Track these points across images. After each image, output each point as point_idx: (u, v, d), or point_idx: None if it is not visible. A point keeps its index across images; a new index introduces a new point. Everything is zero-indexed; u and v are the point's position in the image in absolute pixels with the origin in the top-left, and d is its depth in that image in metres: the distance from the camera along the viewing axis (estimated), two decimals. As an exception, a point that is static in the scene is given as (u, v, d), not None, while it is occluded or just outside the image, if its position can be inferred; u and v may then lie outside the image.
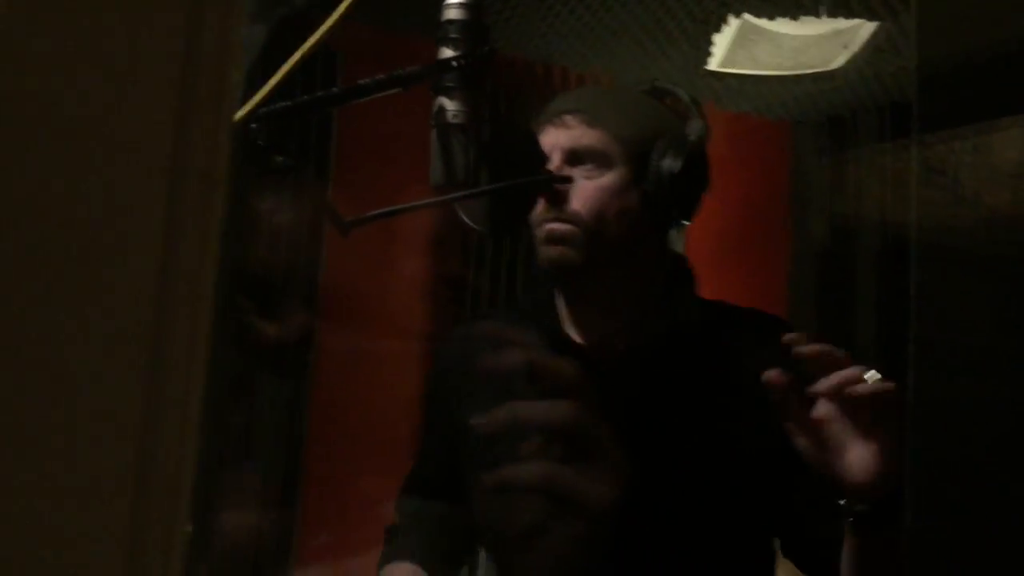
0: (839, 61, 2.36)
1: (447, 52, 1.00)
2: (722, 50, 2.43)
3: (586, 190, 1.14)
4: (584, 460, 0.80)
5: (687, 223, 1.23)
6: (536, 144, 1.08)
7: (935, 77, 2.41)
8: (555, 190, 1.14)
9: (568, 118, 1.17)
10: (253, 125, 0.88)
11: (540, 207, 1.16)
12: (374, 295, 2.03)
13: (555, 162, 1.15)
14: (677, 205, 1.17)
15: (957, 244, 2.68)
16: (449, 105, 0.99)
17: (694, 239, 2.64)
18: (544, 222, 1.15)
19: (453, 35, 1.00)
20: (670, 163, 1.13)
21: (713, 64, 2.48)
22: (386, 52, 2.01)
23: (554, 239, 1.14)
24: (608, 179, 1.15)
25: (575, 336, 1.20)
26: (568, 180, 1.12)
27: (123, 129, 0.30)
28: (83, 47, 0.30)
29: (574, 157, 1.15)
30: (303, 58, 0.94)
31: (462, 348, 1.31)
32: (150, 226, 0.28)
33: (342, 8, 0.98)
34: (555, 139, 1.17)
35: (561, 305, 1.22)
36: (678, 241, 2.61)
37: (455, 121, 0.99)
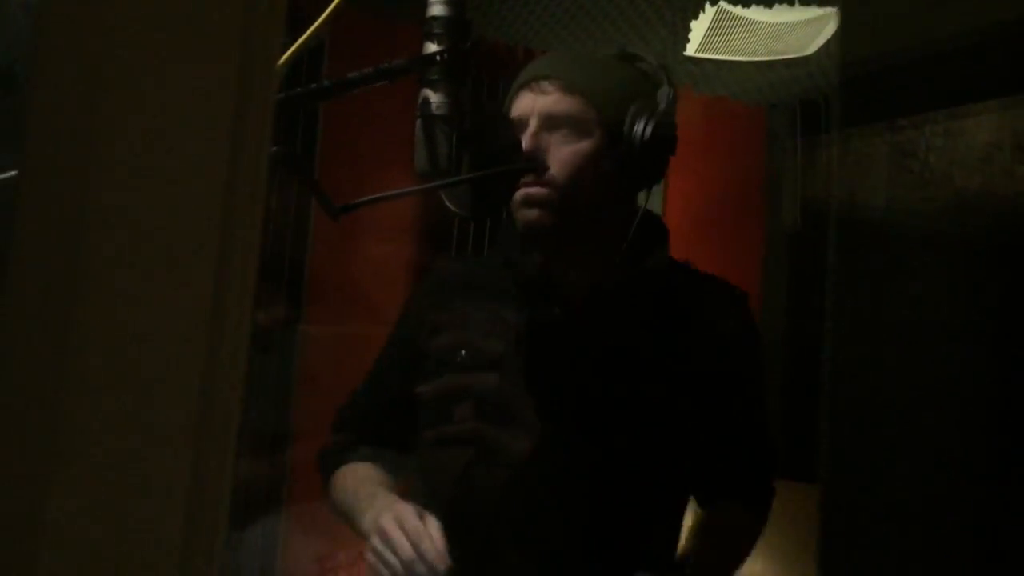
0: (812, 47, 2.43)
1: (431, 47, 1.06)
2: (699, 36, 2.49)
3: (563, 155, 1.20)
4: (505, 421, 0.96)
5: (656, 184, 1.30)
6: (513, 133, 1.15)
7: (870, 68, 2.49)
8: (535, 157, 1.20)
9: (545, 84, 1.22)
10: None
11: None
12: (359, 279, 2.10)
13: (532, 127, 1.21)
14: (648, 169, 1.23)
15: (925, 225, 2.77)
16: (433, 97, 1.05)
17: (672, 220, 2.71)
18: (522, 185, 1.20)
19: (437, 31, 1.06)
20: (643, 130, 1.19)
21: (690, 49, 2.54)
22: (370, 37, 2.05)
23: (530, 202, 1.20)
24: (585, 145, 1.21)
25: (556, 281, 1.27)
26: (544, 168, 1.19)
27: (181, 147, 0.36)
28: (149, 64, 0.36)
29: (551, 122, 1.21)
30: (296, 51, 0.99)
31: (438, 286, 1.38)
32: (211, 211, 0.35)
33: (333, 5, 1.04)
34: (532, 104, 1.22)
35: (536, 255, 1.28)
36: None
37: (439, 112, 1.05)
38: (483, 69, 2.69)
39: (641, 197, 1.30)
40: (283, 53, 0.37)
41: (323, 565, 1.78)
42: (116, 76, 0.35)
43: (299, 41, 1.04)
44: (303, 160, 0.91)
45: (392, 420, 1.32)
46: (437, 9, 1.06)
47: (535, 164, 1.17)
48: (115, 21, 0.35)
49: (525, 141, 1.18)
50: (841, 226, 2.73)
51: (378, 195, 0.98)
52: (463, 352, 1.22)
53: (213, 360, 0.30)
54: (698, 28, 2.44)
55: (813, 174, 2.92)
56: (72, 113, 0.35)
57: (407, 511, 1.09)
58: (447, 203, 1.12)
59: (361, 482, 1.27)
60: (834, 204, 2.75)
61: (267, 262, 2.02)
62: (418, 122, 1.05)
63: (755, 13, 2.32)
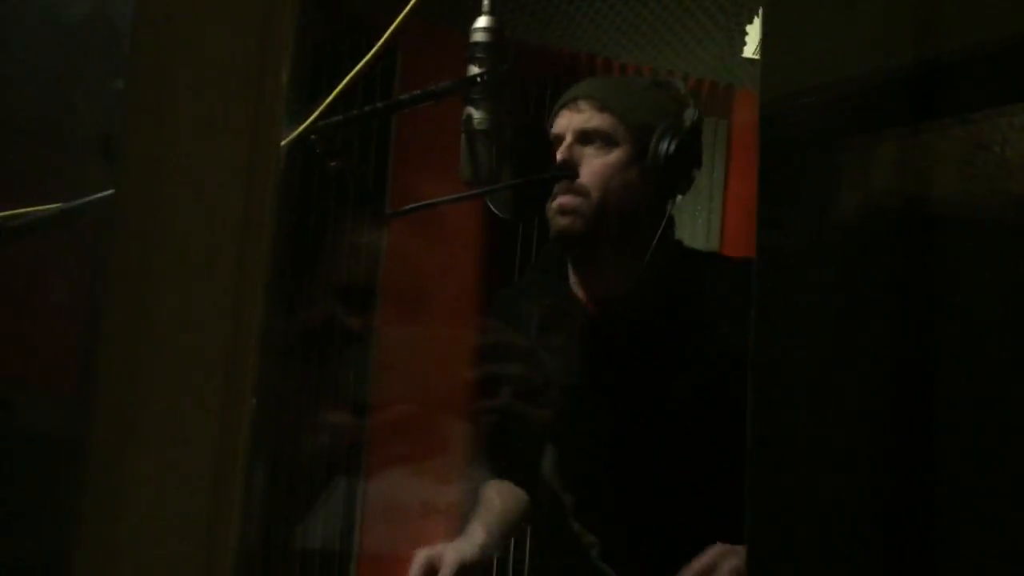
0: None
1: (473, 69, 1.20)
2: (756, 38, 2.57)
3: (594, 165, 1.33)
4: (531, 396, 1.14)
5: (682, 195, 1.42)
6: (547, 144, 1.28)
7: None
8: (568, 166, 1.32)
9: (581, 103, 1.36)
10: (312, 136, 1.09)
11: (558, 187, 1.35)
12: (423, 285, 2.27)
13: (567, 141, 1.34)
14: (673, 180, 1.35)
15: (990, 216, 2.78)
16: (475, 114, 1.19)
17: (733, 220, 2.79)
18: (557, 194, 1.34)
19: (479, 55, 1.20)
20: (667, 145, 1.32)
21: (748, 51, 2.62)
22: (437, 45, 2.20)
23: (564, 211, 1.34)
24: (614, 156, 1.33)
25: (579, 293, 1.40)
26: (574, 174, 1.31)
27: (202, 170, 0.50)
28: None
29: (584, 137, 1.34)
30: (358, 76, 1.14)
31: (498, 312, 1.53)
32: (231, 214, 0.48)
33: (395, 24, 1.18)
34: (568, 121, 1.36)
35: (569, 266, 1.42)
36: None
37: (480, 127, 1.19)
38: (548, 75, 2.83)
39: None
40: (283, 90, 0.48)
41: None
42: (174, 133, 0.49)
43: (366, 57, 1.18)
44: (358, 174, 1.04)
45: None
46: (478, 36, 1.20)
47: (567, 171, 1.30)
48: (172, 101, 0.49)
49: (560, 153, 1.32)
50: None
51: (423, 202, 1.12)
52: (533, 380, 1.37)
53: (235, 341, 0.43)
54: (754, 31, 2.52)
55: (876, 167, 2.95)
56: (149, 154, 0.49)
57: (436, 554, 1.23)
58: (491, 206, 1.26)
59: (485, 502, 1.40)
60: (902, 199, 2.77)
61: (347, 274, 2.23)
62: (462, 136, 1.19)
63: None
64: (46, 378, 1.28)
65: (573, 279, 1.41)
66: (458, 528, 1.33)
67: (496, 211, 1.24)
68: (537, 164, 1.25)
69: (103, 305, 0.45)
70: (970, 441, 0.72)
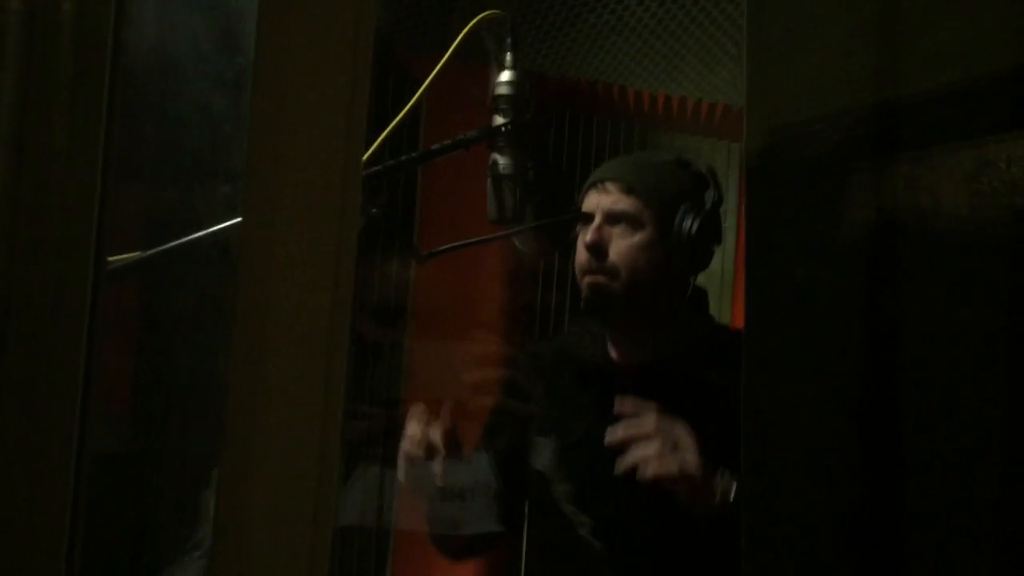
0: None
1: (498, 119, 1.31)
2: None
3: (621, 246, 1.43)
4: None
5: (703, 270, 1.53)
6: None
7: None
8: (597, 247, 1.43)
9: (609, 185, 1.47)
10: (355, 186, 1.20)
11: (583, 257, 1.47)
12: (447, 306, 2.43)
13: (596, 222, 1.45)
14: (695, 258, 1.46)
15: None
16: (501, 160, 1.31)
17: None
18: (587, 273, 1.45)
19: (503, 106, 1.32)
20: (689, 225, 1.42)
21: (758, 78, 2.72)
22: (461, 80, 2.31)
23: (595, 290, 1.44)
24: (639, 238, 1.44)
25: (613, 354, 1.51)
26: (590, 218, 1.42)
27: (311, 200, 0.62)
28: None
29: (612, 218, 1.45)
30: (401, 121, 1.26)
31: (531, 362, 1.65)
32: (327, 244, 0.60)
33: (434, 73, 1.30)
34: (597, 201, 1.47)
35: (604, 331, 1.53)
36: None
37: (505, 172, 1.30)
38: (568, 104, 2.95)
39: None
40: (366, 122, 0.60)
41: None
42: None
43: (409, 104, 1.30)
44: (396, 219, 1.15)
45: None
46: (502, 89, 1.31)
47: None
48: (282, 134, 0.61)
49: (590, 234, 1.42)
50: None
51: (456, 243, 1.23)
52: (555, 438, 1.49)
53: (331, 338, 0.55)
54: (764, 59, 2.62)
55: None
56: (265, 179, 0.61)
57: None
58: (516, 244, 1.37)
59: None
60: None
61: (382, 296, 2.40)
62: (489, 180, 1.31)
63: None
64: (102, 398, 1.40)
65: (609, 343, 1.52)
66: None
67: (521, 248, 1.36)
68: (557, 205, 1.37)
69: (237, 305, 0.56)
70: (949, 465, 0.81)
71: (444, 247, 1.21)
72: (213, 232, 0.94)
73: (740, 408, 1.37)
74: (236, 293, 0.57)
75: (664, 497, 1.31)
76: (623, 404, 1.30)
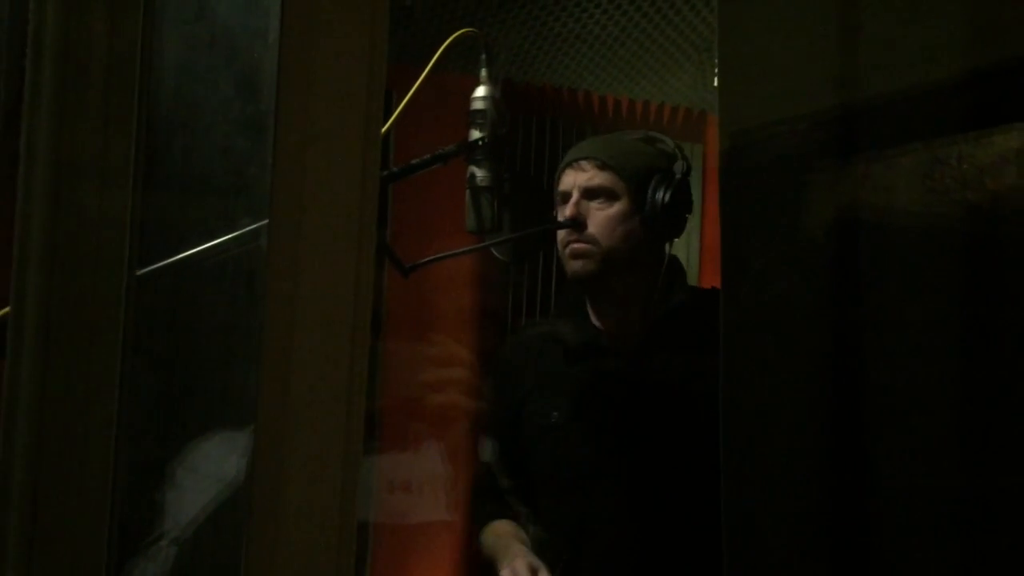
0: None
1: (475, 133, 1.36)
2: (726, 70, 2.74)
3: (599, 218, 1.52)
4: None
5: (677, 238, 1.59)
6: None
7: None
8: (576, 219, 1.50)
9: (584, 163, 1.55)
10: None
11: (563, 232, 1.53)
12: (419, 310, 2.48)
13: (574, 198, 1.53)
14: (669, 226, 1.54)
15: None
16: (478, 172, 1.36)
17: (710, 256, 2.97)
18: (569, 243, 1.52)
19: (479, 120, 1.36)
20: (662, 195, 1.50)
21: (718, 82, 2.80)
22: (432, 89, 2.35)
23: (576, 255, 1.52)
24: (616, 208, 1.52)
25: (598, 324, 1.58)
26: (578, 224, 1.48)
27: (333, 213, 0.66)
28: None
29: (589, 193, 1.53)
30: (387, 132, 1.30)
31: (515, 351, 1.71)
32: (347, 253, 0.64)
33: (413, 89, 1.34)
34: (574, 179, 1.54)
35: (587, 302, 1.60)
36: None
37: (483, 184, 1.35)
38: (534, 109, 3.00)
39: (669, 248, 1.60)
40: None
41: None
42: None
43: (394, 115, 1.34)
44: (381, 234, 1.19)
45: (517, 478, 1.64)
46: (479, 104, 1.36)
47: (571, 222, 1.48)
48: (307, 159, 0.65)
49: (568, 209, 1.50)
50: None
51: (439, 255, 1.28)
52: (555, 414, 1.55)
53: (354, 336, 0.59)
54: (724, 64, 2.69)
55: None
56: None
57: (523, 563, 1.41)
58: (495, 253, 1.42)
59: (500, 536, 1.58)
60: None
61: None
62: (467, 192, 1.35)
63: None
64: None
65: (592, 315, 1.59)
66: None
67: (499, 256, 1.41)
68: (535, 213, 1.42)
69: (268, 306, 0.60)
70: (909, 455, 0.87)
71: (427, 259, 1.26)
72: (233, 239, 0.98)
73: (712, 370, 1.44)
74: (265, 299, 0.61)
75: (652, 483, 1.38)
76: None
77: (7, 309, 0.89)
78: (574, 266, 1.52)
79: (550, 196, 1.61)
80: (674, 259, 1.61)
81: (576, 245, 1.51)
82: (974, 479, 0.81)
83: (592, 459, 1.53)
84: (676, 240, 1.60)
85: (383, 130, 1.29)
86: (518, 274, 2.44)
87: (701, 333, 1.54)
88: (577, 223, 1.49)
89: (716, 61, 1.17)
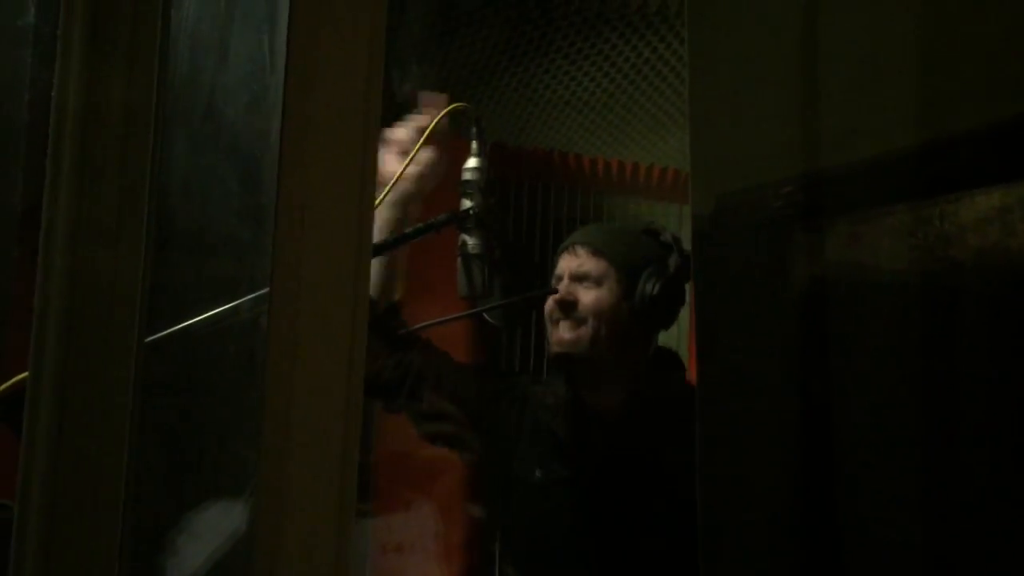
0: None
1: (466, 203, 1.41)
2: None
3: (587, 299, 1.55)
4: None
5: (666, 330, 1.64)
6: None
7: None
8: (566, 302, 1.55)
9: (578, 248, 1.60)
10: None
11: (551, 306, 1.58)
12: None
13: (565, 281, 1.57)
14: (657, 317, 1.58)
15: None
16: (469, 240, 1.41)
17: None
18: (556, 322, 1.56)
19: (469, 191, 1.42)
20: (651, 287, 1.54)
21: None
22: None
23: (563, 344, 1.55)
24: (603, 293, 1.55)
25: (583, 396, 1.60)
26: (555, 292, 1.53)
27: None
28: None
29: (579, 277, 1.57)
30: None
31: (514, 406, 1.72)
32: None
33: (408, 160, 1.40)
34: (568, 263, 1.59)
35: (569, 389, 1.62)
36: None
37: (474, 252, 1.40)
38: (526, 172, 3.08)
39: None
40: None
41: None
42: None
43: (388, 186, 1.39)
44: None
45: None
46: (469, 175, 1.42)
47: (555, 290, 1.52)
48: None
49: (561, 290, 1.54)
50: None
51: (430, 322, 1.33)
52: (538, 471, 1.58)
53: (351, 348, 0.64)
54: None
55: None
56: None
57: None
58: (486, 317, 1.47)
59: None
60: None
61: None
62: (459, 259, 1.41)
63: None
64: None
65: (577, 387, 1.61)
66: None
67: (491, 321, 1.46)
68: (523, 280, 1.48)
69: (271, 322, 0.64)
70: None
71: (423, 324, 1.30)
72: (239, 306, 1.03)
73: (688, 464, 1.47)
74: (266, 360, 0.65)
75: (630, 545, 1.40)
76: None
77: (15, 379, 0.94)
78: (557, 351, 1.56)
79: (541, 262, 1.66)
80: (668, 352, 1.65)
81: (564, 333, 1.55)
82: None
83: (569, 521, 1.55)
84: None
85: (377, 202, 1.35)
86: (509, 338, 2.50)
87: (682, 422, 1.58)
88: (556, 290, 1.54)
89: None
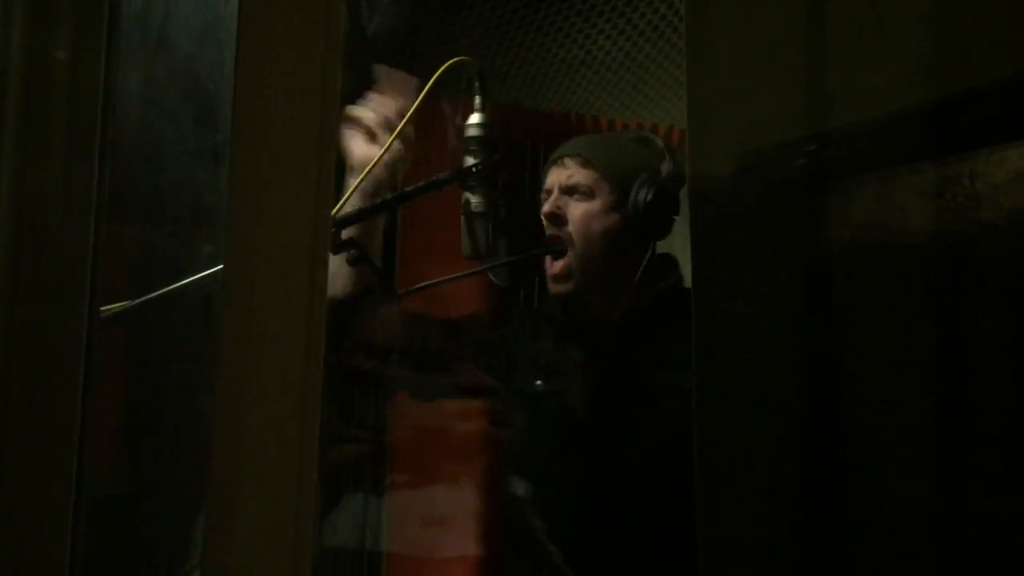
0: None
1: (469, 160, 1.38)
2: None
3: (576, 213, 1.51)
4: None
5: (661, 239, 1.58)
6: (539, 220, 1.47)
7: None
8: (555, 216, 1.51)
9: (567, 160, 1.55)
10: (334, 228, 1.26)
11: (544, 224, 1.54)
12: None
13: (554, 194, 1.53)
14: (651, 225, 1.52)
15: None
16: (472, 198, 1.37)
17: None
18: (547, 244, 1.51)
19: (473, 147, 1.38)
20: (644, 193, 1.49)
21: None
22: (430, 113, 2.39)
23: (557, 279, 1.52)
24: (593, 205, 1.51)
25: (587, 314, 1.55)
26: (561, 250, 1.49)
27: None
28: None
29: (568, 190, 1.53)
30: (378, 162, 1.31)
31: (516, 329, 1.69)
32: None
33: (406, 118, 1.36)
34: (556, 177, 1.55)
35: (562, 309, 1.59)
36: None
37: (477, 210, 1.37)
38: (541, 134, 3.02)
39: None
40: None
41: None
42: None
43: (387, 142, 1.36)
44: (372, 261, 1.21)
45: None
46: (472, 131, 1.38)
47: (555, 247, 1.48)
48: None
49: (547, 206, 1.51)
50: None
51: (430, 281, 1.29)
52: (538, 382, 1.55)
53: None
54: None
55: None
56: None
57: None
58: (491, 278, 1.44)
59: None
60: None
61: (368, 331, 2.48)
62: (462, 218, 1.37)
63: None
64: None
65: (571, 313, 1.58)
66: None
67: (495, 281, 1.42)
68: (527, 238, 1.44)
69: (220, 331, 0.62)
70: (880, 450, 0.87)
71: (420, 285, 1.27)
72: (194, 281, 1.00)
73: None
74: (218, 336, 0.62)
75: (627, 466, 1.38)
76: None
77: None
78: (555, 289, 1.53)
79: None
80: (666, 257, 1.59)
81: (555, 268, 1.51)
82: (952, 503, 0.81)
83: (571, 431, 1.52)
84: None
85: (376, 160, 1.31)
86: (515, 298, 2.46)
87: (676, 329, 1.54)
88: (557, 246, 1.49)
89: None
